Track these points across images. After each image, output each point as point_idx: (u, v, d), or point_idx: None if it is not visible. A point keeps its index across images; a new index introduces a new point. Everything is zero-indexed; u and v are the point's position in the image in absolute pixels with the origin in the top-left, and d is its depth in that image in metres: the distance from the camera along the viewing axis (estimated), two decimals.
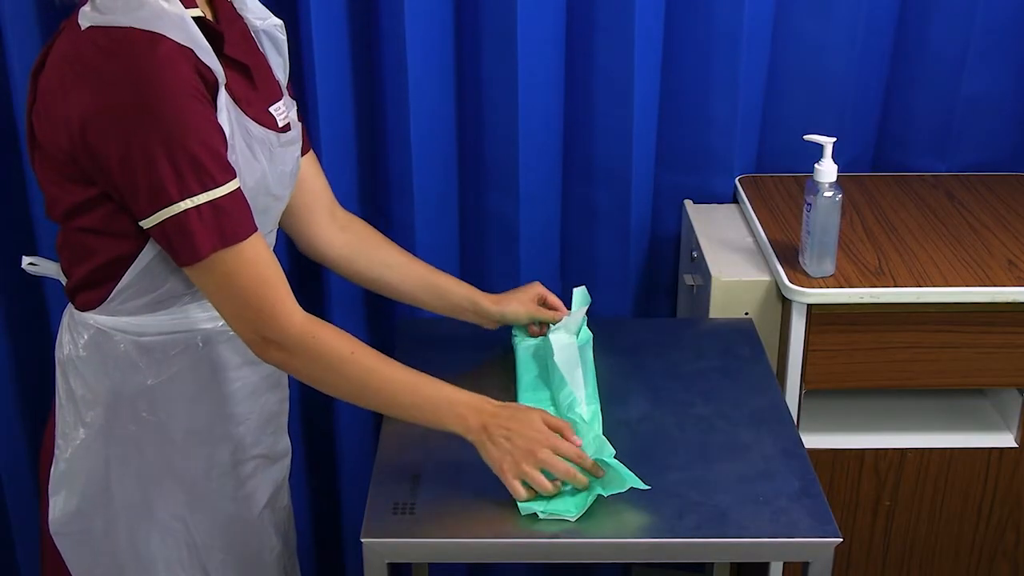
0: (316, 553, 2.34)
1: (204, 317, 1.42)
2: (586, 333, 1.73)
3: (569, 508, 1.35)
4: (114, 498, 1.44)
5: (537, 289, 1.73)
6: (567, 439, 1.38)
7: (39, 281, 2.00)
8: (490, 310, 1.69)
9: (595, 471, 1.36)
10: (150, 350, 1.40)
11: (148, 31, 1.23)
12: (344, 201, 2.01)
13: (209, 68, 1.28)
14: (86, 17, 1.25)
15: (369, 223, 2.02)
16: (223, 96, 1.30)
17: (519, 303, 1.70)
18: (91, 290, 1.38)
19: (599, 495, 1.36)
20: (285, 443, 1.58)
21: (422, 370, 1.41)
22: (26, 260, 1.49)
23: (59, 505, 1.45)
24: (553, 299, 1.73)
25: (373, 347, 1.42)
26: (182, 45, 1.25)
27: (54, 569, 1.52)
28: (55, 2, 1.32)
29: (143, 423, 1.41)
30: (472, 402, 1.38)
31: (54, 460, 1.45)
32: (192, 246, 1.27)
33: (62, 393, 1.44)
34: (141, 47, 1.22)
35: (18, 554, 2.25)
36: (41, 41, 1.85)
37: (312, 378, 1.38)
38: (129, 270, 1.35)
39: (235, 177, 1.29)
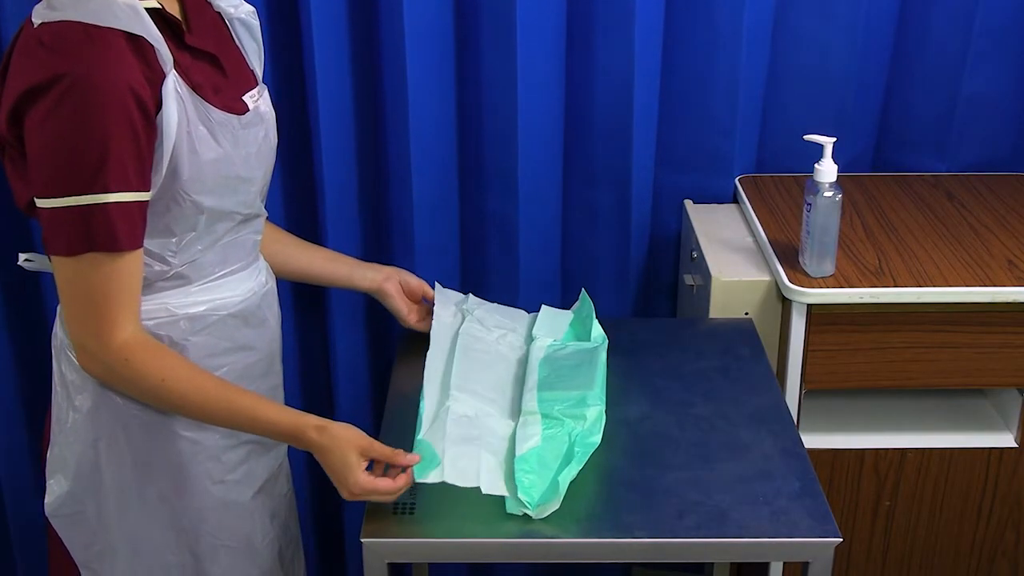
0: (316, 553, 2.34)
1: (186, 303, 1.43)
2: (600, 335, 1.73)
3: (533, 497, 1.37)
4: (104, 481, 1.46)
5: (401, 275, 1.83)
6: (394, 461, 1.40)
7: (37, 275, 2.00)
8: (340, 270, 1.80)
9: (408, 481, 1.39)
10: None
11: (93, 25, 1.25)
12: (343, 202, 2.02)
13: (158, 59, 1.30)
14: (38, 14, 1.29)
15: (369, 224, 2.03)
16: (170, 84, 1.31)
17: (375, 272, 1.81)
18: None
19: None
20: None
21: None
22: (22, 256, 1.50)
23: (54, 488, 1.48)
24: (416, 283, 1.83)
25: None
26: (132, 36, 1.27)
27: (59, 552, 1.53)
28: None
29: (129, 407, 1.43)
30: (292, 429, 1.42)
31: (50, 446, 1.49)
32: (62, 240, 1.29)
33: (56, 380, 1.47)
34: (80, 41, 1.25)
35: (14, 546, 2.25)
36: None
37: (134, 395, 1.41)
38: None
39: (135, 190, 1.30)
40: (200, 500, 1.48)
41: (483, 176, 2.05)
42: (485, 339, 1.72)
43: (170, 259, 1.39)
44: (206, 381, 1.41)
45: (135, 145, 1.28)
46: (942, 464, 1.86)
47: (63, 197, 1.27)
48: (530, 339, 1.73)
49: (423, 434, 1.46)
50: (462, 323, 1.75)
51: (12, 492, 2.20)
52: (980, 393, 1.97)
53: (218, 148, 1.37)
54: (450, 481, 1.37)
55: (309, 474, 2.24)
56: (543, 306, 1.84)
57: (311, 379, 2.19)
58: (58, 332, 1.46)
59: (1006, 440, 1.87)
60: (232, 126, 1.40)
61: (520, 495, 1.37)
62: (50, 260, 1.34)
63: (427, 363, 1.62)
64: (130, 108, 1.27)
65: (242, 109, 1.43)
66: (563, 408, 1.52)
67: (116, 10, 1.27)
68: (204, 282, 1.45)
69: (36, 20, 1.28)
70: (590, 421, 1.50)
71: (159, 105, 1.30)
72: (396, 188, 2.03)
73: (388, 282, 1.81)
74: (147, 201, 1.32)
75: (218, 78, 1.41)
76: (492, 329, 1.76)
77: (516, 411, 1.55)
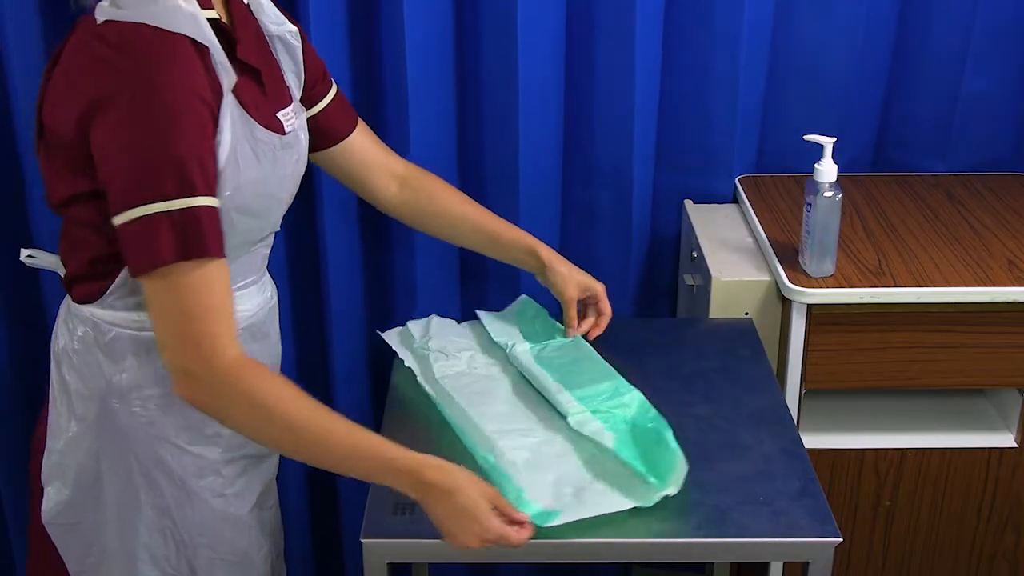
0: (316, 553, 2.34)
1: None
2: (561, 329, 1.76)
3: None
4: (104, 492, 1.45)
5: (596, 287, 1.76)
6: (516, 516, 1.32)
7: (37, 273, 2.00)
8: (542, 258, 1.74)
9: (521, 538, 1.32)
10: (146, 346, 1.40)
11: (161, 28, 1.23)
12: (342, 203, 2.02)
13: (218, 70, 1.28)
14: (102, 11, 1.25)
15: (368, 225, 2.01)
16: (229, 99, 1.29)
17: (570, 270, 1.74)
18: (89, 283, 1.39)
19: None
20: None
21: None
22: (24, 252, 1.49)
23: (52, 496, 1.47)
24: (604, 306, 1.76)
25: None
26: (196, 44, 1.26)
27: (40, 559, 1.53)
28: (70, 7, 1.32)
29: (135, 418, 1.41)
30: (410, 466, 1.30)
31: (46, 451, 1.47)
32: (154, 250, 1.23)
33: (56, 385, 1.45)
34: (151, 43, 1.22)
35: (14, 548, 2.25)
36: (41, 40, 1.85)
37: (236, 423, 1.32)
38: (125, 268, 1.34)
39: (215, 195, 1.27)
40: (201, 514, 1.48)
41: (483, 176, 2.05)
42: (461, 370, 1.70)
43: None
44: (315, 409, 1.32)
45: (209, 151, 1.26)
46: (942, 464, 1.86)
47: (150, 204, 1.22)
48: (497, 348, 1.74)
49: (519, 486, 1.41)
50: (428, 365, 1.71)
51: (11, 492, 2.20)
52: (980, 393, 1.97)
53: (259, 167, 1.35)
54: (575, 519, 1.35)
55: (308, 474, 2.24)
56: (481, 312, 1.85)
57: (309, 387, 2.18)
58: (60, 337, 1.44)
59: (1006, 440, 1.86)
60: (273, 145, 1.38)
61: (650, 480, 1.38)
62: (138, 280, 1.27)
63: (447, 414, 1.59)
64: (203, 115, 1.25)
65: (277, 127, 1.40)
66: (602, 402, 1.55)
67: (181, 16, 1.25)
68: None
69: (100, 17, 1.25)
70: (636, 405, 1.54)
71: (217, 117, 1.28)
72: None
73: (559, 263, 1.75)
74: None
75: (258, 94, 1.38)
76: (459, 354, 1.74)
77: (552, 420, 1.56)
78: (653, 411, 1.52)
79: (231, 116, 1.30)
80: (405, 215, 1.76)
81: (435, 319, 1.84)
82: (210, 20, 1.30)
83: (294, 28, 1.49)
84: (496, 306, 1.89)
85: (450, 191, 1.77)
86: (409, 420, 1.58)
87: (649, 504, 1.36)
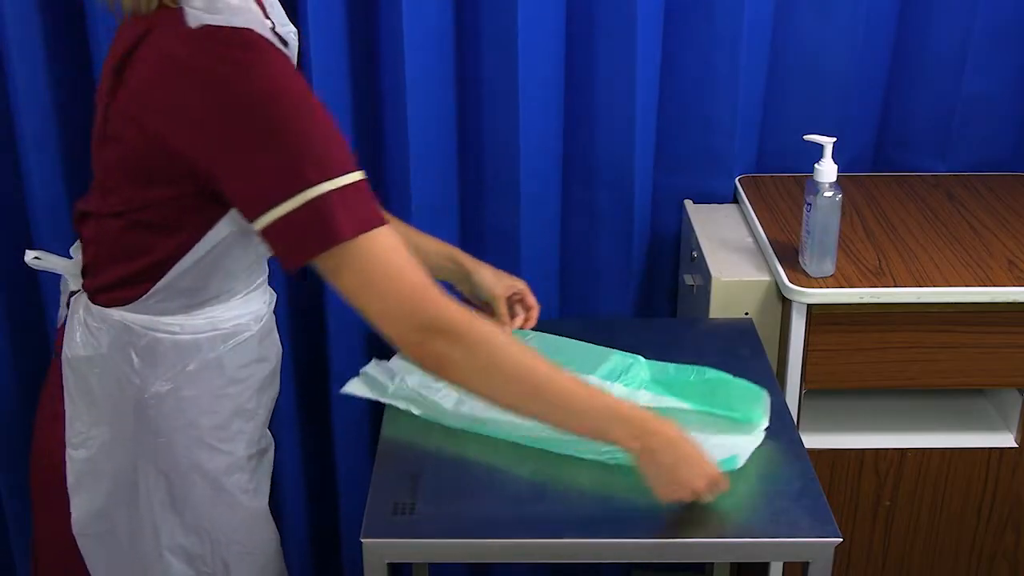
0: (315, 553, 2.34)
1: (230, 316, 1.42)
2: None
3: None
4: (140, 497, 1.44)
5: (520, 283, 1.74)
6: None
7: (36, 274, 2.00)
8: (465, 264, 1.71)
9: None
10: (181, 348, 1.39)
11: (261, 35, 1.22)
12: None
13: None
14: (193, 17, 1.22)
15: None
16: None
17: (494, 272, 1.72)
18: (125, 288, 1.37)
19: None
20: (269, 436, 1.59)
21: None
22: (30, 254, 1.48)
23: (81, 506, 1.45)
24: (531, 300, 1.74)
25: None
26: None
27: (48, 569, 1.52)
28: (140, 8, 1.27)
29: (172, 421, 1.41)
30: (637, 415, 1.32)
31: (69, 461, 1.44)
32: (332, 229, 1.20)
33: (75, 391, 1.42)
34: (264, 44, 1.22)
35: (14, 545, 2.25)
36: (41, 40, 1.85)
37: (473, 371, 1.27)
38: (173, 269, 1.34)
39: (359, 170, 1.25)
40: (233, 510, 1.48)
41: (483, 176, 2.05)
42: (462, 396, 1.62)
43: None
44: (552, 368, 1.29)
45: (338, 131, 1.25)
46: (942, 464, 1.86)
47: (310, 188, 1.19)
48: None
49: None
50: (431, 403, 1.61)
51: (11, 492, 2.20)
52: (980, 393, 1.97)
53: None
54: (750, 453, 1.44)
55: (308, 474, 2.24)
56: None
57: (308, 386, 2.19)
58: (78, 342, 1.40)
59: (1006, 440, 1.86)
60: None
61: (751, 418, 1.49)
62: (321, 269, 1.24)
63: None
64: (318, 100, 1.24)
65: None
66: (627, 375, 1.61)
67: (263, 26, 1.25)
68: (243, 295, 1.43)
69: (192, 23, 1.21)
70: (647, 367, 1.63)
71: None
72: (395, 190, 2.02)
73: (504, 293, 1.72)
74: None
75: None
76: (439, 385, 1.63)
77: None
78: (671, 366, 1.62)
79: None
80: None
81: (395, 359, 1.68)
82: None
83: (294, 29, 1.49)
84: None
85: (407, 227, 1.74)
86: (410, 419, 1.58)
87: (761, 439, 1.47)
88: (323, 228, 1.21)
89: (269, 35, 1.25)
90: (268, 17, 1.32)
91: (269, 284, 1.53)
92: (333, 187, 1.20)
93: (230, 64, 1.20)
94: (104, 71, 1.34)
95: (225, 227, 1.32)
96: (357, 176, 1.23)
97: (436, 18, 1.91)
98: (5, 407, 2.13)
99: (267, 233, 1.23)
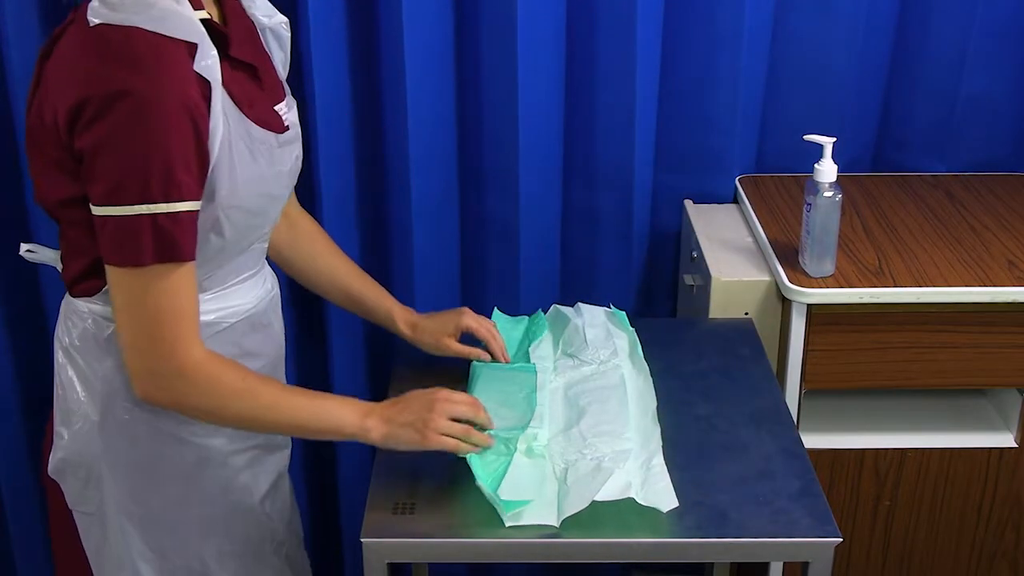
0: (315, 553, 2.33)
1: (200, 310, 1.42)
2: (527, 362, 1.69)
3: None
4: (107, 487, 1.45)
5: (461, 320, 1.68)
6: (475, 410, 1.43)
7: (36, 269, 2.00)
8: (402, 332, 1.70)
9: (487, 423, 1.44)
10: None
11: (156, 33, 1.23)
12: (342, 204, 2.02)
13: (209, 70, 1.28)
14: (95, 13, 1.24)
15: (368, 226, 2.00)
16: (218, 102, 1.29)
17: (431, 335, 1.68)
18: (88, 280, 1.38)
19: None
20: (276, 435, 1.58)
21: None
22: (24, 247, 1.49)
23: (68, 487, 1.47)
24: (483, 331, 1.69)
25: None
26: (189, 45, 1.25)
27: (63, 548, 1.54)
28: (62, 1, 1.32)
29: (135, 413, 1.41)
30: (364, 405, 1.41)
31: (53, 447, 1.47)
32: (134, 250, 1.25)
33: (61, 380, 1.45)
34: (148, 53, 1.22)
35: (14, 546, 2.24)
36: (41, 40, 1.85)
37: (205, 412, 1.37)
38: None
39: (197, 200, 1.28)
40: (210, 508, 1.48)
41: (483, 177, 2.05)
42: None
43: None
44: (271, 387, 1.40)
45: (196, 156, 1.26)
46: (942, 464, 1.86)
47: (135, 205, 1.23)
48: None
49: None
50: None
51: (11, 492, 2.20)
52: (980, 393, 1.97)
53: (256, 166, 1.35)
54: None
55: (308, 474, 2.24)
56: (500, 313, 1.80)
57: (308, 386, 2.18)
58: (61, 332, 1.43)
59: (1006, 440, 1.87)
60: (270, 144, 1.38)
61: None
62: (109, 276, 1.29)
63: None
64: (195, 121, 1.25)
65: (277, 124, 1.41)
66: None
67: (177, 20, 1.25)
68: (217, 291, 1.43)
69: (94, 19, 1.24)
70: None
71: (208, 119, 1.28)
72: (395, 190, 2.03)
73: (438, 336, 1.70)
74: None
75: (254, 90, 1.38)
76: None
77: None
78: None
79: (223, 119, 1.30)
80: (280, 256, 1.66)
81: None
82: (202, 21, 1.30)
83: (284, 19, 1.50)
84: (494, 306, 1.88)
85: (329, 244, 1.71)
86: None
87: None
88: (130, 246, 1.26)
89: (180, 32, 1.25)
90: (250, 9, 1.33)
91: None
92: (156, 211, 1.24)
93: (110, 63, 1.22)
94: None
95: None
96: (185, 207, 1.26)
97: (436, 18, 1.91)
98: (5, 406, 2.13)
99: (95, 222, 1.28)
